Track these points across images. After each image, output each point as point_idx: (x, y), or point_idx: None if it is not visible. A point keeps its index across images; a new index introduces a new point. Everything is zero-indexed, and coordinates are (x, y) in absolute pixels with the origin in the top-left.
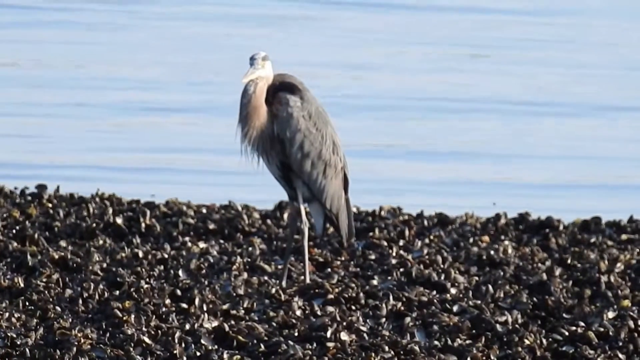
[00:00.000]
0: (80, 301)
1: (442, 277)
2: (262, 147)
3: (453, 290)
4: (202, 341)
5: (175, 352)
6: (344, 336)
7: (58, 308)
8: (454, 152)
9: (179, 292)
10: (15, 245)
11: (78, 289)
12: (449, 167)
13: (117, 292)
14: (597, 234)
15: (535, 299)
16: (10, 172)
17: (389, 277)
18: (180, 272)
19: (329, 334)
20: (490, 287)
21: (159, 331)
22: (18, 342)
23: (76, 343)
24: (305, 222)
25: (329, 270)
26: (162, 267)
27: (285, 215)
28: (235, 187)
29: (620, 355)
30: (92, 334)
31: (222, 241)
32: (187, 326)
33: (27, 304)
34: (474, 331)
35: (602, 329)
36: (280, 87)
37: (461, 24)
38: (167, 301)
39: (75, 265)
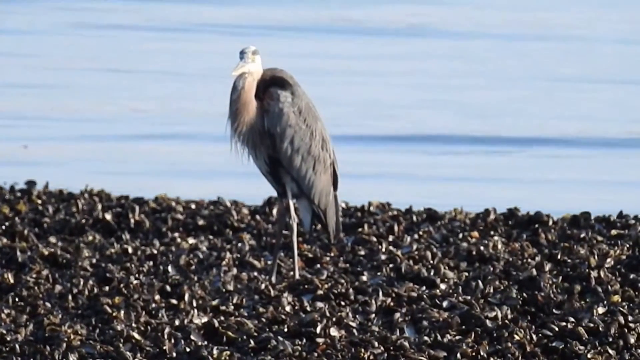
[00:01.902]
0: (70, 297)
1: (432, 273)
2: (251, 142)
3: (443, 286)
4: (192, 337)
5: (164, 348)
6: (333, 332)
7: (48, 304)
8: None
9: (168, 288)
10: (5, 242)
11: (68, 285)
12: None
13: (107, 288)
14: (587, 229)
15: (525, 294)
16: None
17: (379, 273)
18: (169, 268)
19: (318, 330)
20: (479, 282)
21: (149, 327)
22: (8, 338)
23: (66, 339)
24: (293, 218)
25: (319, 266)
26: (151, 263)
27: (275, 211)
28: (225, 183)
29: (610, 351)
30: (82, 330)
31: (211, 237)
32: (177, 322)
33: (16, 300)
34: (463, 327)
35: (592, 325)
36: (271, 82)
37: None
38: (157, 297)
39: (64, 261)
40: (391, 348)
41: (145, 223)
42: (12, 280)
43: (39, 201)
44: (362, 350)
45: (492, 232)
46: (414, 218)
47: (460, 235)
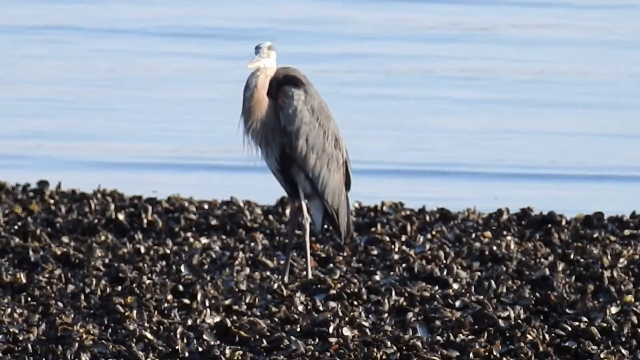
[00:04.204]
0: (82, 297)
1: (445, 273)
2: (264, 140)
3: (455, 286)
4: (204, 337)
5: (177, 347)
6: (346, 331)
7: (60, 304)
8: None
9: (181, 287)
10: (18, 241)
11: (80, 285)
12: None
13: (119, 288)
14: (600, 229)
15: (537, 294)
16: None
17: (391, 273)
18: (182, 268)
19: (331, 330)
20: (492, 282)
21: (161, 327)
22: (20, 338)
23: (78, 338)
24: (306, 218)
25: (331, 265)
26: (164, 263)
27: (287, 211)
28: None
29: (623, 351)
30: (94, 330)
31: (224, 237)
32: (189, 322)
33: (29, 299)
34: (476, 326)
35: (605, 324)
36: (284, 80)
37: None
38: (169, 297)
39: (77, 261)
40: (404, 348)
41: (158, 223)
42: (24, 280)
43: (52, 201)
44: (375, 349)
45: (504, 232)
46: (427, 218)
47: (473, 235)
